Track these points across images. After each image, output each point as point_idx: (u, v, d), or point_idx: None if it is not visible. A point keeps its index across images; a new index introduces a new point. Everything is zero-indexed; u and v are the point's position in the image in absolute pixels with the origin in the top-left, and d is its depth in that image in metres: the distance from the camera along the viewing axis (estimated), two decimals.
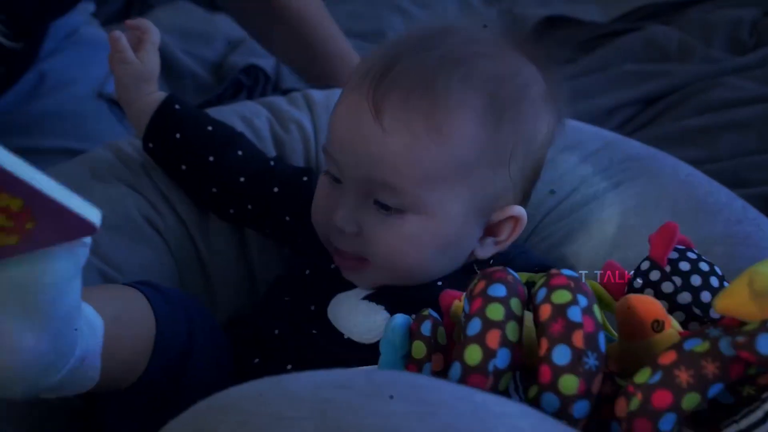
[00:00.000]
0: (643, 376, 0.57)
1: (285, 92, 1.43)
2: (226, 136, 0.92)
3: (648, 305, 0.62)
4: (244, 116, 1.02)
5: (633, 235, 0.87)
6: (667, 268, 0.69)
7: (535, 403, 0.59)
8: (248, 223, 0.93)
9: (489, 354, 0.59)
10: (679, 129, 1.29)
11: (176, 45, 1.43)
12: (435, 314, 0.66)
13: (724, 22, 1.50)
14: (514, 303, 0.60)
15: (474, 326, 0.60)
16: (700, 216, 0.87)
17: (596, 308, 0.60)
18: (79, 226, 0.56)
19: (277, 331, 0.82)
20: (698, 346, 0.57)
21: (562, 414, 0.58)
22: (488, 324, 0.59)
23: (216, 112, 1.02)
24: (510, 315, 0.60)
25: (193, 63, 1.43)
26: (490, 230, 0.80)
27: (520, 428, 0.56)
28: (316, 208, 0.82)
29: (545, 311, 0.59)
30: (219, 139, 0.91)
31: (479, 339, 0.59)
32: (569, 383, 0.58)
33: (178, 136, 0.90)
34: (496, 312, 0.60)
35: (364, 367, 0.64)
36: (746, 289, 0.56)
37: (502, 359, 0.59)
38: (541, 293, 0.60)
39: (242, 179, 0.90)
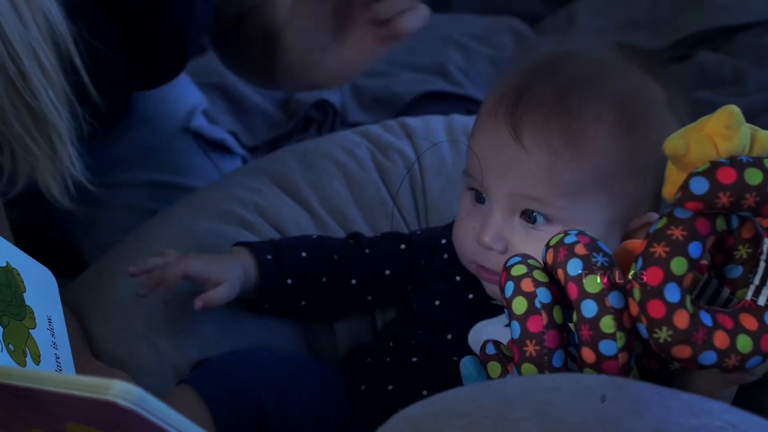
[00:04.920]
0: (631, 271, 0.63)
1: (352, 126, 1.46)
2: (321, 251, 0.92)
3: (637, 244, 0.67)
4: (345, 147, 1.03)
5: None
6: None
7: (578, 317, 0.64)
8: (373, 306, 0.95)
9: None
10: None
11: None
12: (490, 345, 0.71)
13: None
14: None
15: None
16: None
17: (587, 232, 0.67)
18: None
19: (415, 359, 0.84)
20: (659, 224, 0.63)
21: (602, 311, 0.63)
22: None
23: (315, 144, 1.04)
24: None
25: (262, 100, 1.45)
26: (627, 237, 0.83)
27: (731, 422, 0.57)
28: (459, 230, 0.84)
29: (549, 256, 0.66)
30: (317, 260, 0.91)
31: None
32: (591, 282, 0.63)
33: (289, 281, 0.90)
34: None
35: (565, 373, 0.65)
36: (672, 169, 0.64)
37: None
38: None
39: (354, 281, 0.91)
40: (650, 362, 0.68)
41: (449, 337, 0.84)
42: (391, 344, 0.87)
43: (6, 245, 0.74)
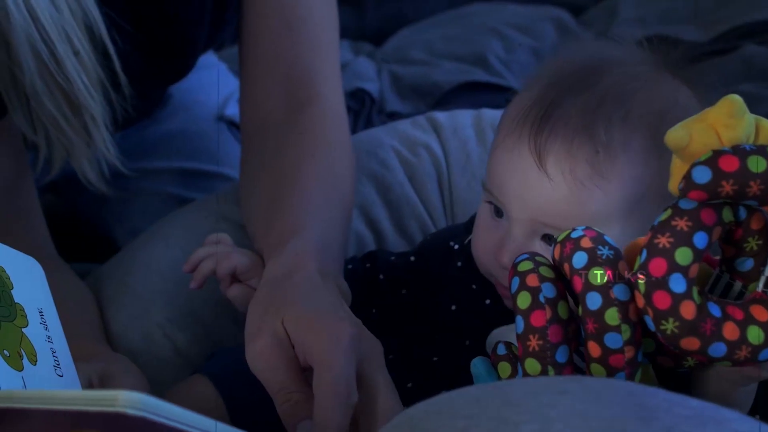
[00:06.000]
0: (637, 263, 0.62)
1: (390, 115, 1.45)
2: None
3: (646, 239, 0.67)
4: (370, 150, 1.02)
5: None
6: None
7: (583, 310, 0.63)
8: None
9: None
10: None
11: None
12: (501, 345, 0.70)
13: None
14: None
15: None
16: None
17: (595, 228, 0.66)
18: None
19: (435, 359, 0.83)
20: (663, 216, 0.62)
21: (606, 304, 0.62)
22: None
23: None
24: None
25: None
26: None
27: None
28: (478, 243, 0.82)
29: (556, 251, 0.66)
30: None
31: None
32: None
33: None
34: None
35: (573, 375, 0.65)
36: (677, 163, 0.63)
37: None
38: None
39: (374, 311, 0.89)
40: (664, 359, 0.67)
41: (467, 342, 0.82)
42: (411, 342, 0.86)
43: None
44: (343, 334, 0.70)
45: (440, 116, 1.06)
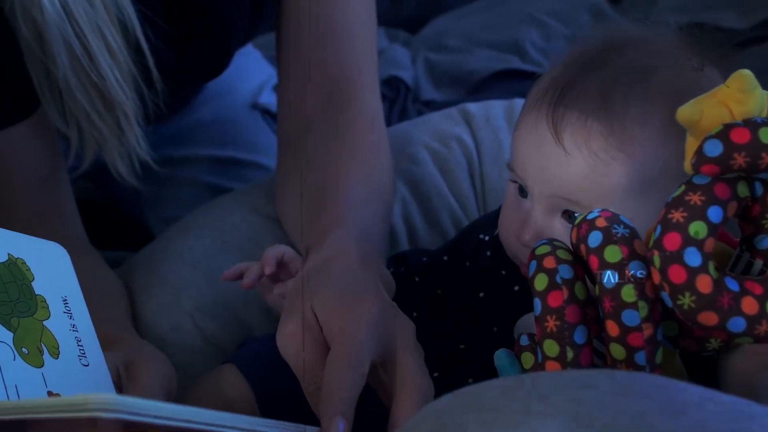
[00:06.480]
0: (651, 240, 0.62)
1: (425, 103, 1.45)
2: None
3: None
4: (400, 147, 1.02)
5: None
6: None
7: (600, 289, 0.63)
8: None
9: None
10: None
11: None
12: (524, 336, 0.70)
13: None
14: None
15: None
16: None
17: (611, 210, 0.66)
18: None
19: (462, 347, 0.83)
20: (677, 192, 0.62)
21: (622, 281, 0.62)
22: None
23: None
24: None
25: None
26: None
27: None
28: (504, 224, 0.82)
29: (573, 234, 0.65)
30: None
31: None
32: (612, 252, 0.62)
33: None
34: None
35: (603, 369, 0.64)
36: (691, 141, 0.63)
37: None
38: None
39: (415, 314, 0.88)
40: (688, 342, 0.66)
41: (495, 330, 0.82)
42: (437, 331, 0.86)
43: (3, 233, 0.72)
44: (366, 310, 0.70)
45: (472, 107, 1.06)
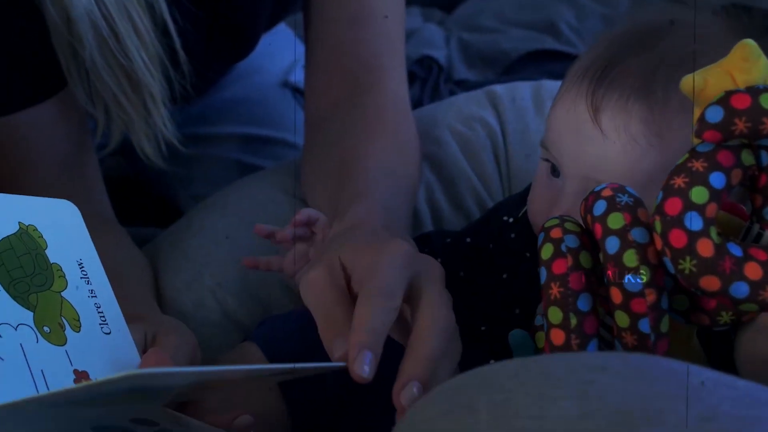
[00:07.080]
0: (654, 206, 0.62)
1: (457, 83, 1.44)
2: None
3: None
4: (423, 131, 1.01)
5: None
6: None
7: (604, 257, 0.63)
8: None
9: None
10: None
11: None
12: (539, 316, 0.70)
13: None
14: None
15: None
16: None
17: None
18: None
19: (483, 328, 0.83)
20: (680, 160, 0.62)
21: (624, 246, 0.62)
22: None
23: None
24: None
25: None
26: None
27: None
28: (534, 202, 0.81)
29: (582, 208, 0.66)
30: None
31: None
32: (615, 218, 0.63)
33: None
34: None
35: (615, 352, 0.64)
36: (696, 112, 0.63)
37: None
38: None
39: (461, 274, 0.88)
40: (699, 317, 0.66)
41: (517, 311, 0.82)
42: (458, 312, 0.86)
43: (12, 200, 0.69)
44: (395, 249, 0.69)
45: (498, 88, 1.05)
